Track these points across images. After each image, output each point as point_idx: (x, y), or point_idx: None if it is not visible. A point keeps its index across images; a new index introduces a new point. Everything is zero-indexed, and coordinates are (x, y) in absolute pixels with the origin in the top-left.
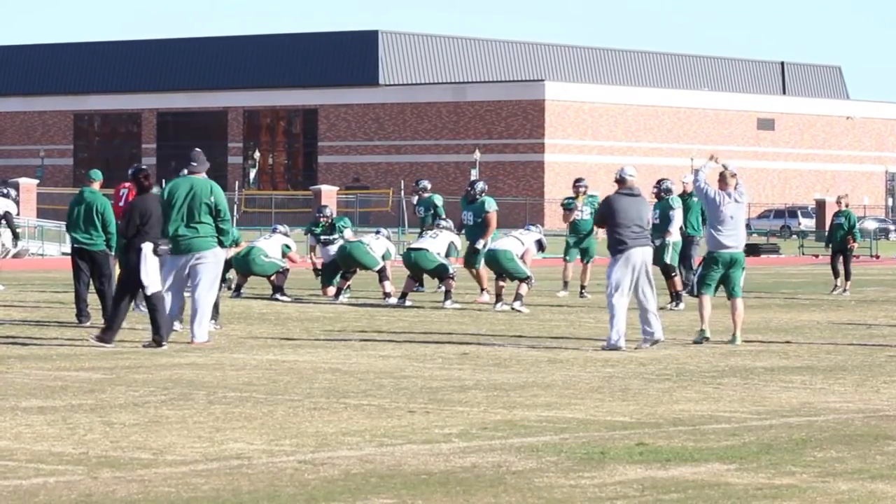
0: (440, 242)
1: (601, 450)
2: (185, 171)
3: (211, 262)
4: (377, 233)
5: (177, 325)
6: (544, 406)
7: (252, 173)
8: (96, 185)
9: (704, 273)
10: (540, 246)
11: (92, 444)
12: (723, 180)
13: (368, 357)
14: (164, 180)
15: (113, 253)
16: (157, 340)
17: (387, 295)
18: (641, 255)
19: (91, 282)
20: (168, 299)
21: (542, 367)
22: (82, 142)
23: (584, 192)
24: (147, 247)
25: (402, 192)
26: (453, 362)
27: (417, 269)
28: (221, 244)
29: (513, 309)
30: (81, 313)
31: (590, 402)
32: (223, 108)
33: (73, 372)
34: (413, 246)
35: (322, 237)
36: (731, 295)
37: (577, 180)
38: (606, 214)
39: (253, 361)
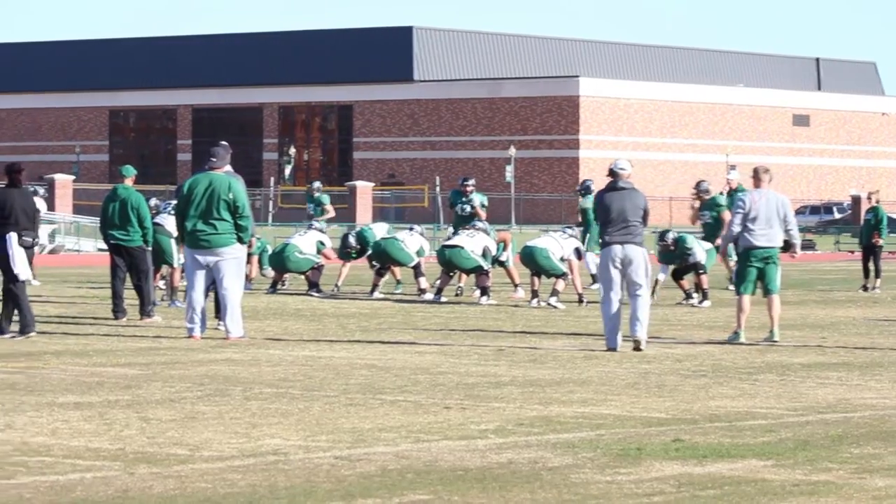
0: (476, 243)
1: (637, 446)
2: (207, 167)
3: (232, 258)
4: (411, 229)
5: (211, 323)
6: (580, 402)
7: (287, 169)
8: (129, 181)
9: (741, 270)
10: (578, 254)
11: (128, 439)
12: (757, 177)
13: (404, 353)
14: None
15: (149, 248)
16: (25, 331)
17: (422, 291)
18: (622, 251)
19: (128, 277)
20: (196, 297)
21: (578, 364)
22: (118, 138)
23: (700, 197)
24: (12, 236)
25: (438, 188)
26: (489, 358)
27: (451, 266)
28: (241, 240)
29: (548, 305)
30: (118, 309)
31: (626, 398)
32: (258, 105)
33: (110, 368)
34: (448, 243)
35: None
36: (767, 291)
37: (697, 184)
38: (597, 210)
39: (289, 357)
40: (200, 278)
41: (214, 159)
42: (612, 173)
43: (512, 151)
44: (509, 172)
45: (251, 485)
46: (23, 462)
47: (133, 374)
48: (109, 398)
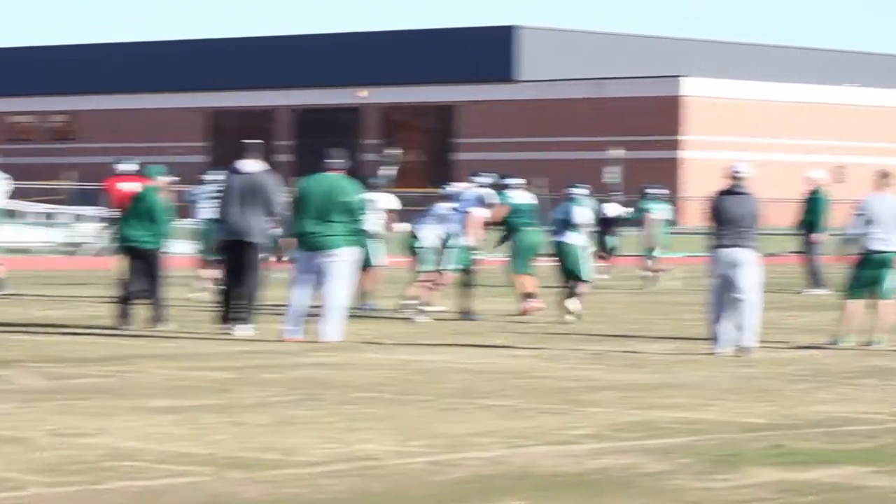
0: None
1: (735, 452)
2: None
3: (342, 261)
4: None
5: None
6: (678, 407)
7: (391, 170)
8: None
9: (854, 275)
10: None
11: (220, 444)
12: (878, 181)
13: (500, 357)
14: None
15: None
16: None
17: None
18: (731, 255)
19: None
20: (299, 298)
21: (676, 368)
22: (217, 138)
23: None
24: None
25: (547, 188)
26: (586, 362)
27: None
28: (355, 244)
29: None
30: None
31: (725, 402)
32: (357, 105)
33: (202, 371)
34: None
35: None
36: (879, 296)
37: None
38: (711, 212)
39: (383, 361)
40: (307, 280)
41: (333, 161)
42: (732, 177)
43: (621, 153)
44: (609, 174)
45: (344, 490)
46: (113, 467)
47: (225, 377)
48: (201, 402)
